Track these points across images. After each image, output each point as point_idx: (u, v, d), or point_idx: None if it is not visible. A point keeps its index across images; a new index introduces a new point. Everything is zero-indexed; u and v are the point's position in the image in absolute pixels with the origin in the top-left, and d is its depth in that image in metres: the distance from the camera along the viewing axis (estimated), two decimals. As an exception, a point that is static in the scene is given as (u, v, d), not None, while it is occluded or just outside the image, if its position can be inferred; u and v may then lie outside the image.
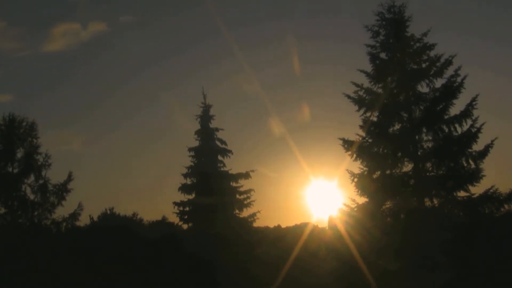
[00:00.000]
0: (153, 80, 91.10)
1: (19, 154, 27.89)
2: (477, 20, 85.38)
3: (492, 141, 24.87)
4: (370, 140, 26.77)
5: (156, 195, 69.79)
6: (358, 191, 26.61)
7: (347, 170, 26.93)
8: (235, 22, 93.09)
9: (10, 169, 27.61)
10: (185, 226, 40.18)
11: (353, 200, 26.72)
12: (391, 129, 26.69)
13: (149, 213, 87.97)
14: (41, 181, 27.60)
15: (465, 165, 24.95)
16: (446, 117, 25.56)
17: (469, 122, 25.20)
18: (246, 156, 70.04)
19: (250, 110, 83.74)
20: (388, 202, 26.07)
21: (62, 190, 27.74)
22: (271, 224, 45.47)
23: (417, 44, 26.98)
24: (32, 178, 27.59)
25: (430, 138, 25.87)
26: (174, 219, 40.95)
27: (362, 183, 26.44)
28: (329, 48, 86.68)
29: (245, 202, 40.11)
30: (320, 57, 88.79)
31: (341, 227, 26.31)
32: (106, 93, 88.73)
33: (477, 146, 24.99)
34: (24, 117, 28.15)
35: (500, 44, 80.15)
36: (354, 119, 27.24)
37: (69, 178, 28.04)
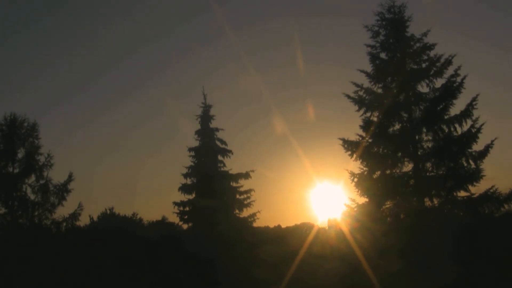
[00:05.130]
0: (153, 79, 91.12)
1: (20, 154, 27.87)
2: (477, 19, 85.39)
3: (492, 141, 24.95)
4: (370, 140, 26.80)
5: (156, 195, 69.65)
6: (358, 191, 26.65)
7: (347, 170, 27.01)
8: (236, 21, 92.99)
9: (10, 169, 27.60)
10: (185, 226, 40.23)
11: (353, 200, 26.78)
12: (391, 129, 26.73)
13: (149, 213, 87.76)
14: (42, 181, 27.61)
15: (465, 165, 25.01)
16: (446, 117, 25.62)
17: (469, 122, 25.31)
18: (246, 156, 69.95)
19: (250, 110, 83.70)
20: (388, 202, 26.10)
21: (63, 190, 27.74)
22: (271, 224, 45.37)
23: (417, 44, 27.04)
24: (33, 178, 27.61)
25: (430, 138, 25.91)
26: (174, 219, 40.94)
27: (362, 183, 26.46)
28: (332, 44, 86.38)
29: (245, 202, 40.16)
30: (322, 56, 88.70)
31: (342, 227, 26.33)
32: (106, 93, 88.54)
33: (477, 146, 25.10)
34: (25, 117, 28.15)
35: (501, 44, 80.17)
36: (356, 119, 27.37)
37: (70, 178, 28.04)
